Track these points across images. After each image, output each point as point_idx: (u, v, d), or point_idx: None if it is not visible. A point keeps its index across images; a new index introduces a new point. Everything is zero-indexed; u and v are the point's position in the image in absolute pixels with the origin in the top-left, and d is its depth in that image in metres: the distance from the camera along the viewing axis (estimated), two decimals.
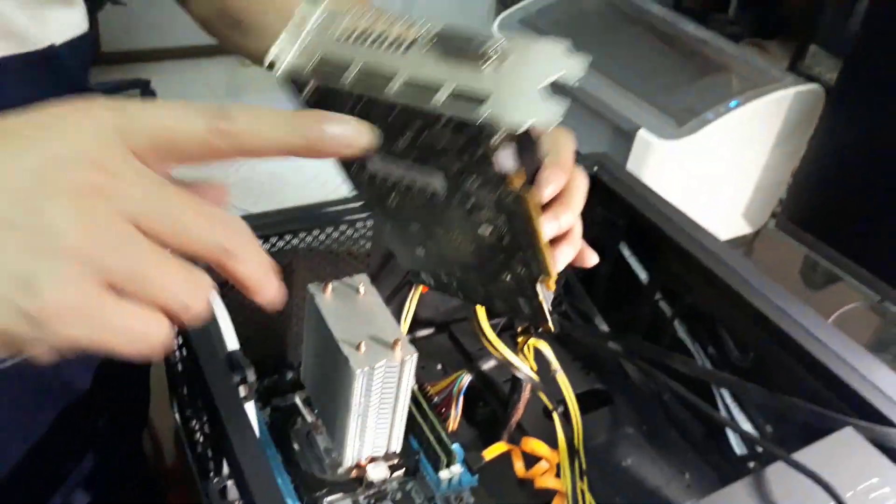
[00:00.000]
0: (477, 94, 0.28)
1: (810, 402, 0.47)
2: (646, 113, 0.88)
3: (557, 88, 0.29)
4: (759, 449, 0.54)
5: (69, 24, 0.44)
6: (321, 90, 0.31)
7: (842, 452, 0.43)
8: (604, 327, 0.67)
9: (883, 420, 0.45)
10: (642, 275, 0.64)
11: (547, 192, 0.40)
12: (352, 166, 0.38)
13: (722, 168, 0.90)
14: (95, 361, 0.49)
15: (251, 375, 0.43)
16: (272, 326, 0.61)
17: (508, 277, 0.41)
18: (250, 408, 0.43)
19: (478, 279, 0.44)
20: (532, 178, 0.36)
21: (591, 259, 0.45)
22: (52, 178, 0.23)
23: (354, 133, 0.28)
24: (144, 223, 0.24)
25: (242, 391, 0.42)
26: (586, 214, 0.64)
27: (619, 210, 0.64)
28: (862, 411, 0.46)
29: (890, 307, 0.80)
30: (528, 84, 0.28)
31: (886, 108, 0.83)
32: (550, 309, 0.45)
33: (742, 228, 0.99)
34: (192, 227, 0.25)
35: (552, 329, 0.46)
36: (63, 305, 0.23)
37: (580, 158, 0.68)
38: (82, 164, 0.24)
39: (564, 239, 0.42)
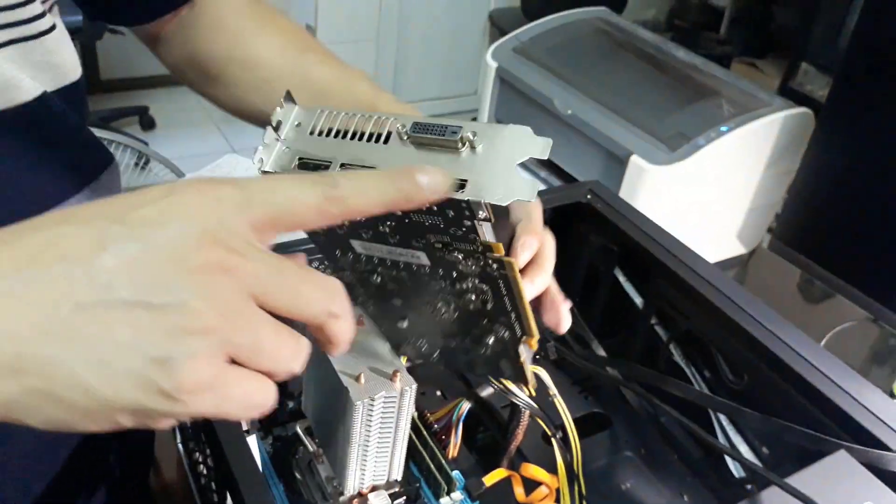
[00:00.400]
0: (457, 179, 0.30)
1: (804, 426, 0.48)
2: (638, 139, 0.89)
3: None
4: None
5: (62, 71, 0.45)
6: None
7: (835, 476, 0.44)
8: (601, 352, 0.68)
9: (875, 443, 0.46)
10: (637, 300, 0.65)
11: (523, 258, 0.41)
12: (335, 252, 0.39)
13: (714, 191, 0.91)
14: None
15: None
16: None
17: (492, 341, 0.43)
18: (252, 441, 0.44)
19: (460, 347, 0.45)
20: (507, 245, 0.39)
21: (565, 325, 0.46)
22: (181, 259, 0.24)
23: (441, 178, 0.30)
24: (264, 298, 0.26)
25: (244, 424, 0.43)
26: (581, 241, 0.65)
27: (612, 236, 0.65)
28: (855, 434, 0.47)
29: (884, 325, 0.81)
30: (504, 165, 0.30)
31: (875, 128, 0.84)
32: (531, 366, 0.46)
33: (736, 249, 1.01)
34: (306, 298, 0.27)
35: (533, 393, 0.49)
36: (197, 383, 0.24)
37: (574, 186, 0.70)
38: (207, 243, 0.25)
39: (544, 299, 0.44)
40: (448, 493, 0.54)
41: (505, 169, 0.30)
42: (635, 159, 0.84)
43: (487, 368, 0.47)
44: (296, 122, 0.34)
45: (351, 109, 0.34)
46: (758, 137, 0.89)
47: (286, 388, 0.64)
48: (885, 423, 0.47)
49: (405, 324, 0.45)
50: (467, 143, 0.31)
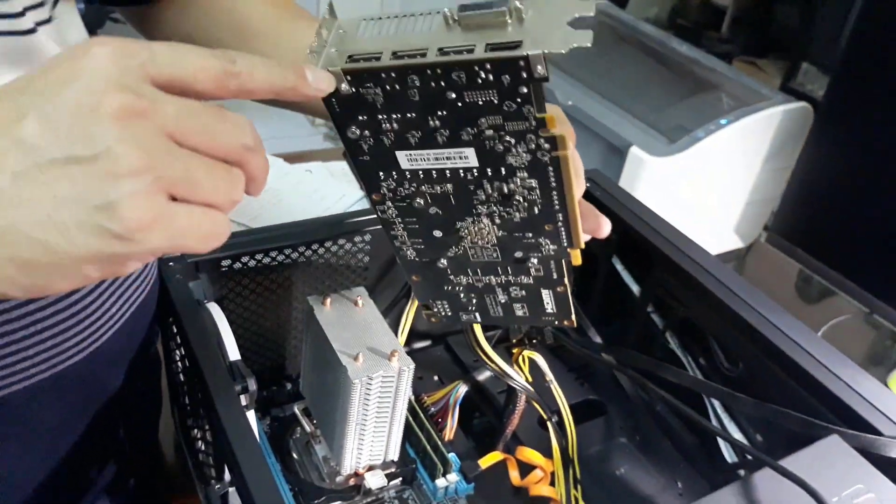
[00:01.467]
0: (512, 41, 0.31)
1: (797, 412, 0.49)
2: (638, 130, 0.90)
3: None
4: (750, 457, 0.55)
5: None
6: (356, 77, 0.33)
7: (827, 459, 0.44)
8: (597, 340, 0.68)
9: (868, 428, 0.46)
10: (634, 288, 0.65)
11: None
12: (378, 174, 0.38)
13: (713, 184, 0.92)
14: (123, 366, 0.50)
15: (252, 384, 0.44)
16: (271, 338, 0.62)
17: (535, 261, 0.42)
18: (251, 416, 0.44)
19: (500, 283, 0.44)
20: None
21: (606, 227, 0.46)
22: (94, 109, 0.25)
23: (325, 76, 0.32)
24: (179, 135, 0.27)
25: (244, 400, 0.43)
26: None
27: (611, 225, 0.65)
28: (847, 420, 0.47)
29: (880, 319, 0.82)
30: (555, 22, 0.31)
31: (873, 124, 0.84)
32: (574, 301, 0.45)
33: (734, 243, 1.01)
34: (220, 133, 0.28)
35: (574, 323, 0.47)
36: (143, 218, 0.26)
37: None
38: (116, 91, 0.26)
39: (584, 212, 0.44)
40: (444, 475, 0.55)
41: (557, 23, 0.31)
42: (635, 150, 0.84)
43: (527, 308, 0.46)
44: (340, 31, 0.34)
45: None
46: (757, 131, 0.90)
47: (284, 371, 0.64)
48: (877, 409, 0.47)
49: (444, 261, 0.44)
50: (515, 13, 0.31)
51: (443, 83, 0.32)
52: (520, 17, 0.31)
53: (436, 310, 0.49)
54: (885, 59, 0.84)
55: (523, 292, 0.45)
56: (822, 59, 2.60)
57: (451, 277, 0.45)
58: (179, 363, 0.53)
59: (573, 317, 0.46)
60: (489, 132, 0.34)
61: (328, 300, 0.52)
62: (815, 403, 0.50)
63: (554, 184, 0.36)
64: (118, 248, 0.26)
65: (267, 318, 0.60)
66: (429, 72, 0.32)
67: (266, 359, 0.62)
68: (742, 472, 0.56)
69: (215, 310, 0.48)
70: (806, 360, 0.50)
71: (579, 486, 0.57)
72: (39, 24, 0.39)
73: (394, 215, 0.41)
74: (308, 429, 0.56)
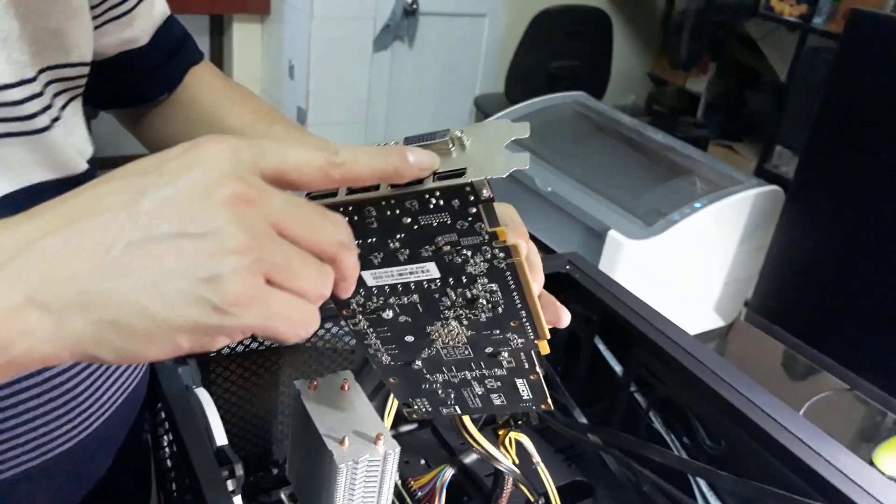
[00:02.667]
0: (456, 169, 0.33)
1: (781, 488, 0.49)
2: (616, 214, 0.93)
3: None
4: None
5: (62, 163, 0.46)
6: None
7: None
8: (582, 419, 0.69)
9: (848, 503, 0.47)
10: (617, 368, 0.66)
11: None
12: (349, 306, 0.40)
13: (691, 265, 0.94)
14: (113, 452, 0.51)
15: (239, 469, 0.44)
16: (258, 423, 0.62)
17: (506, 354, 0.43)
18: (237, 502, 0.44)
19: (475, 377, 0.46)
20: None
21: (565, 318, 0.47)
22: (208, 194, 0.28)
23: (428, 158, 0.33)
24: (283, 226, 0.29)
25: (231, 485, 0.44)
26: None
27: (592, 306, 0.67)
28: (829, 496, 0.48)
29: (860, 395, 0.83)
30: (495, 148, 0.34)
31: (840, 205, 0.88)
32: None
33: (714, 322, 1.03)
34: (319, 228, 0.30)
35: (551, 407, 0.48)
36: (242, 295, 0.27)
37: (553, 257, 0.72)
38: (229, 180, 0.28)
39: (544, 302, 0.44)
40: None
41: (496, 150, 0.33)
42: (613, 234, 0.87)
43: (504, 399, 0.47)
44: None
45: None
46: (730, 213, 0.93)
47: (270, 457, 0.64)
48: (857, 485, 0.48)
49: (419, 363, 0.45)
50: (457, 142, 0.34)
51: (397, 211, 0.35)
52: (461, 145, 0.34)
53: (416, 407, 0.50)
54: (849, 140, 0.88)
55: (498, 383, 0.46)
56: (794, 142, 2.70)
57: (428, 376, 0.47)
58: (167, 448, 0.53)
59: (549, 400, 0.48)
60: (447, 248, 0.37)
61: (314, 384, 0.52)
62: (797, 480, 0.50)
63: (513, 285, 0.39)
64: (214, 320, 0.27)
65: (254, 402, 0.60)
66: (383, 203, 0.35)
67: (253, 444, 0.62)
68: None
69: (203, 395, 0.49)
70: (786, 438, 0.51)
71: None
72: (54, 121, 0.41)
73: (365, 327, 0.42)
74: None
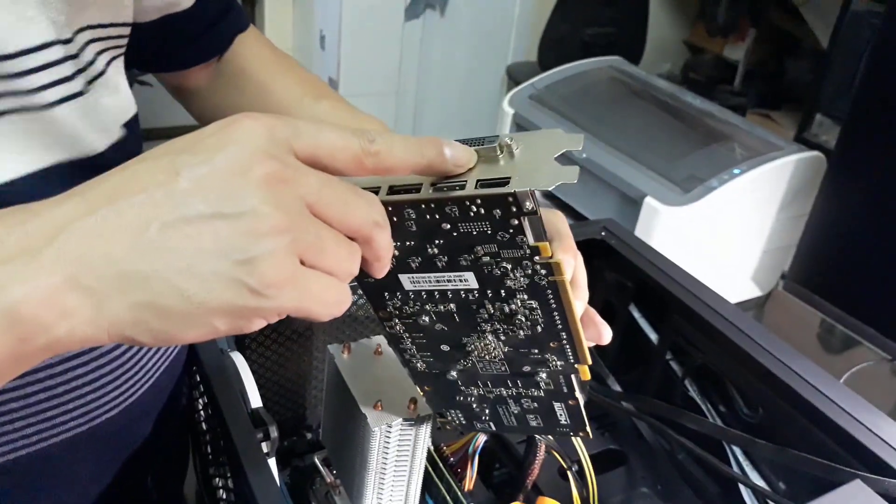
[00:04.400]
0: (501, 177, 0.32)
1: (819, 457, 0.48)
2: (652, 181, 0.91)
3: (567, 160, 0.33)
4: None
5: (119, 122, 0.46)
6: None
7: None
8: (616, 388, 0.68)
9: (891, 473, 0.46)
10: (652, 335, 0.66)
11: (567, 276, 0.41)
12: (383, 295, 0.39)
13: (728, 233, 0.92)
14: (153, 418, 0.51)
15: (274, 431, 0.44)
16: (292, 388, 0.62)
17: (544, 376, 0.42)
18: (272, 464, 0.45)
19: (511, 395, 0.44)
20: None
21: (607, 336, 0.45)
22: (243, 173, 0.27)
23: (465, 154, 0.32)
24: (318, 207, 0.29)
25: (265, 447, 0.44)
26: (596, 278, 0.66)
27: (627, 273, 0.66)
28: (870, 464, 0.47)
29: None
30: (543, 158, 0.32)
31: (883, 173, 0.85)
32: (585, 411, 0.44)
33: (752, 291, 1.01)
34: (354, 208, 0.30)
35: (590, 436, 0.46)
36: (279, 275, 0.27)
37: (588, 224, 0.71)
38: (265, 158, 0.27)
39: (585, 321, 0.43)
40: None
41: (545, 160, 0.32)
42: (649, 201, 0.85)
43: (540, 420, 0.46)
44: None
45: None
46: (770, 180, 0.91)
47: (304, 422, 0.65)
48: None
49: (454, 374, 0.44)
50: (505, 149, 0.33)
51: (437, 216, 0.34)
52: (510, 153, 0.33)
53: (450, 418, 0.49)
54: (894, 106, 0.85)
55: (535, 404, 0.45)
56: (834, 111, 2.62)
57: (462, 388, 0.45)
58: (202, 412, 0.53)
59: (587, 429, 0.46)
60: (486, 258, 0.35)
61: (348, 349, 0.52)
62: (836, 448, 0.49)
63: (554, 305, 0.37)
64: (251, 301, 0.27)
65: (288, 367, 0.61)
66: (423, 206, 0.33)
67: (287, 409, 0.63)
68: None
69: (238, 359, 0.49)
70: (826, 405, 0.50)
71: None
72: (65, 99, 0.40)
73: (401, 331, 0.41)
74: (328, 479, 0.56)
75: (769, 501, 0.55)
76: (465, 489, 0.58)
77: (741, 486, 0.57)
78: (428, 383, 0.46)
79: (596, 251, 0.68)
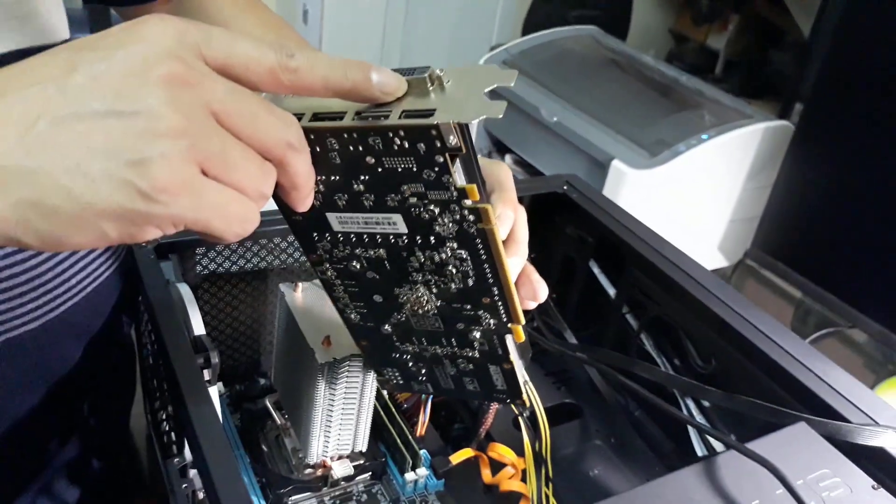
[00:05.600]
0: (427, 109, 0.30)
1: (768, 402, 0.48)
2: (620, 145, 0.90)
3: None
4: (717, 444, 0.54)
5: (38, 27, 0.44)
6: None
7: (794, 445, 0.44)
8: (573, 342, 0.68)
9: (836, 416, 0.46)
10: (610, 290, 0.65)
11: (501, 230, 0.39)
12: (312, 235, 0.38)
13: (695, 200, 0.93)
14: (85, 341, 0.50)
15: (215, 357, 0.44)
16: (246, 333, 0.62)
17: (478, 335, 0.40)
18: (214, 392, 0.44)
19: (446, 354, 0.43)
20: None
21: (542, 293, 0.42)
22: (144, 71, 0.26)
23: (393, 80, 0.31)
24: (224, 117, 0.27)
25: (207, 374, 0.43)
26: (557, 233, 0.66)
27: (588, 228, 0.66)
28: (816, 409, 0.47)
29: (862, 333, 0.82)
30: (472, 92, 0.31)
31: (844, 144, 0.86)
32: (526, 378, 0.43)
33: (718, 262, 1.01)
34: (265, 124, 0.28)
35: (526, 403, 0.45)
36: (172, 181, 0.25)
37: (551, 178, 0.71)
38: (169, 59, 0.26)
39: (521, 279, 0.41)
40: (413, 469, 0.54)
41: (473, 94, 0.30)
42: (616, 164, 0.85)
43: (477, 383, 0.44)
44: None
45: None
46: (737, 147, 0.91)
47: (259, 368, 0.64)
48: (845, 398, 0.47)
49: (388, 328, 0.42)
50: (436, 81, 0.31)
51: (360, 147, 0.32)
52: (441, 85, 0.31)
53: (387, 376, 0.47)
54: (853, 86, 0.85)
55: (471, 366, 0.43)
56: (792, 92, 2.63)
57: (398, 345, 0.44)
58: (148, 345, 0.53)
59: (523, 396, 0.45)
60: (413, 199, 0.34)
61: (300, 287, 0.52)
62: (785, 395, 0.49)
63: (484, 256, 0.35)
64: (141, 206, 0.26)
65: (242, 311, 0.60)
66: (345, 135, 0.32)
67: (241, 354, 0.62)
68: None
69: (184, 289, 0.48)
70: (776, 353, 0.50)
71: (551, 485, 0.56)
72: None
73: (333, 277, 0.40)
74: (279, 421, 0.56)
75: (713, 439, 0.55)
76: (417, 435, 0.57)
77: (692, 436, 0.57)
78: (364, 337, 0.45)
79: (558, 206, 0.67)
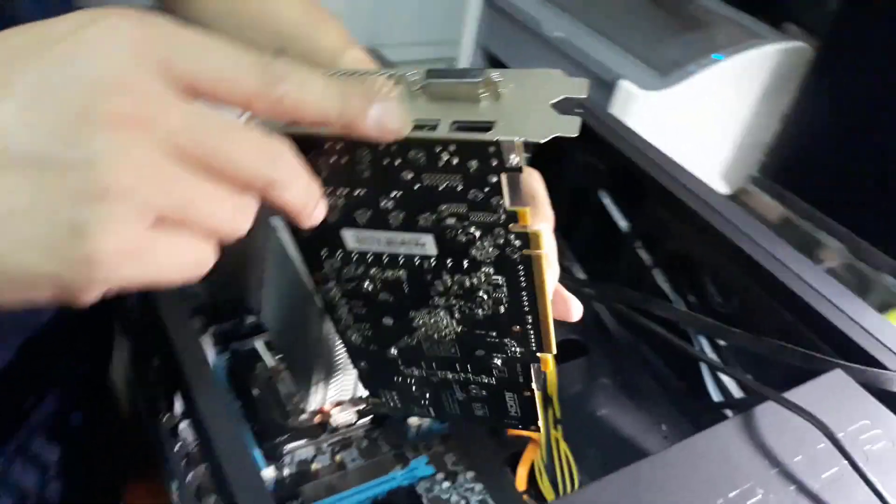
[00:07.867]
0: (483, 121, 0.26)
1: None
2: (628, 64, 0.85)
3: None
4: (743, 394, 0.52)
5: None
6: (296, 144, 0.27)
7: (830, 394, 0.41)
8: (581, 277, 0.65)
9: (872, 362, 0.43)
10: (622, 223, 0.62)
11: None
12: (320, 252, 0.34)
13: (704, 123, 0.88)
14: None
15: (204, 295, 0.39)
16: (233, 270, 0.57)
17: (499, 363, 0.36)
18: (205, 339, 0.40)
19: (457, 380, 0.39)
20: None
21: (577, 311, 0.38)
22: (90, 107, 0.21)
23: (397, 118, 0.26)
24: (189, 153, 0.22)
25: (197, 322, 0.39)
26: (565, 160, 0.61)
27: (600, 154, 0.61)
28: (850, 354, 0.44)
29: (867, 265, 0.79)
30: (537, 103, 0.26)
31: (870, 69, 0.81)
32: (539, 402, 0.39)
33: (721, 189, 0.98)
34: (237, 159, 0.23)
35: (540, 431, 0.41)
36: (115, 249, 0.21)
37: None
38: (118, 90, 0.21)
39: (554, 298, 0.37)
40: None
41: (539, 104, 0.26)
42: (624, 84, 0.80)
43: (487, 410, 0.40)
44: None
45: (312, 62, 0.28)
46: (752, 68, 0.86)
47: (246, 304, 0.60)
48: (881, 343, 0.44)
49: (394, 351, 0.38)
50: (490, 87, 0.26)
51: (398, 161, 0.27)
52: (496, 93, 0.26)
53: (384, 399, 0.43)
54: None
55: (484, 392, 0.39)
56: (805, 20, 2.57)
57: (402, 368, 0.40)
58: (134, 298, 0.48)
59: (539, 423, 0.40)
60: (451, 220, 0.29)
61: None
62: (814, 339, 0.47)
63: (524, 283, 0.31)
64: (80, 275, 0.21)
65: (228, 244, 0.55)
66: (381, 147, 0.27)
67: (227, 291, 0.58)
68: (729, 413, 0.53)
69: None
70: (806, 292, 0.47)
71: (559, 426, 0.54)
72: None
73: (337, 297, 0.36)
74: (271, 364, 0.52)
75: (745, 389, 0.53)
76: None
77: (706, 378, 0.55)
78: (363, 359, 0.40)
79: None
